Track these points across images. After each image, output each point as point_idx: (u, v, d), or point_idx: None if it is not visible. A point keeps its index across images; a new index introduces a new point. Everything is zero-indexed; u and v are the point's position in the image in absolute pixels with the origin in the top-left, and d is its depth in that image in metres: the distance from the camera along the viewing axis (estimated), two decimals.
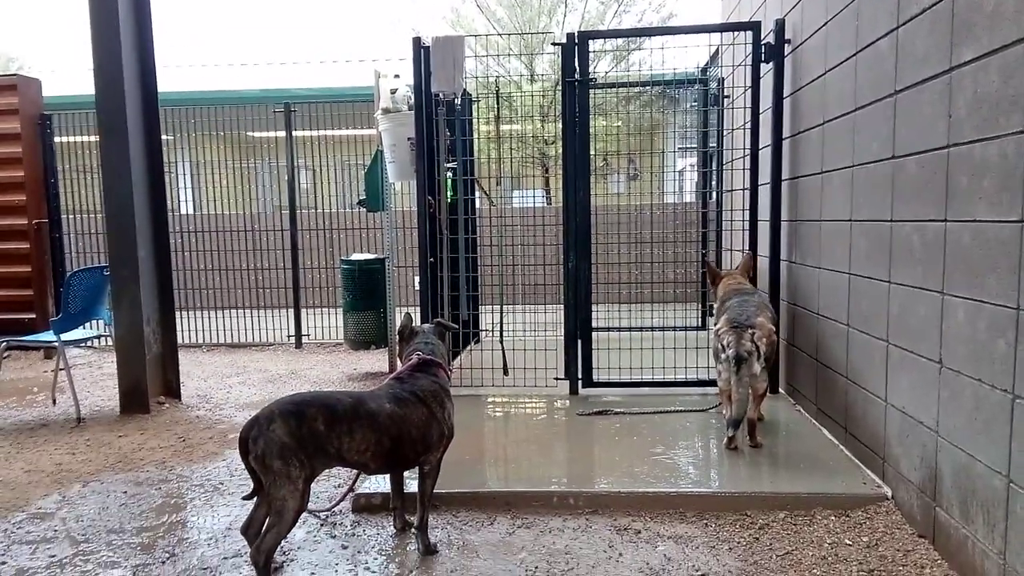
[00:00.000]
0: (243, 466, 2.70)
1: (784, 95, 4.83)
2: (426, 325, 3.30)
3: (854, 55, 3.70)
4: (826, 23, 4.11)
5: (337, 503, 3.43)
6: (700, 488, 3.50)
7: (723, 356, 3.91)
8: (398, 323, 3.26)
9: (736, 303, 4.20)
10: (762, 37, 4.90)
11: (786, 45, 4.80)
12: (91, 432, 4.91)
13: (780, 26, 4.80)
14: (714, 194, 7.19)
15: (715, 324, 4.50)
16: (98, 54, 5.19)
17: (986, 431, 2.52)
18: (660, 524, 3.21)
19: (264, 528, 2.66)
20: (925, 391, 2.96)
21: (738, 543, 3.02)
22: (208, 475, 4.05)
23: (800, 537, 3.05)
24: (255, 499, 2.74)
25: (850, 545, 2.96)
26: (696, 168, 9.07)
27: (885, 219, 3.34)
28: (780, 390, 5.01)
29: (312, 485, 2.72)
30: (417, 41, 5.15)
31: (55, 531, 3.36)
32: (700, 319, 7.36)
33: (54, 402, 5.67)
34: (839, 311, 3.98)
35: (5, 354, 5.28)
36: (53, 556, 3.12)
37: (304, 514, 2.86)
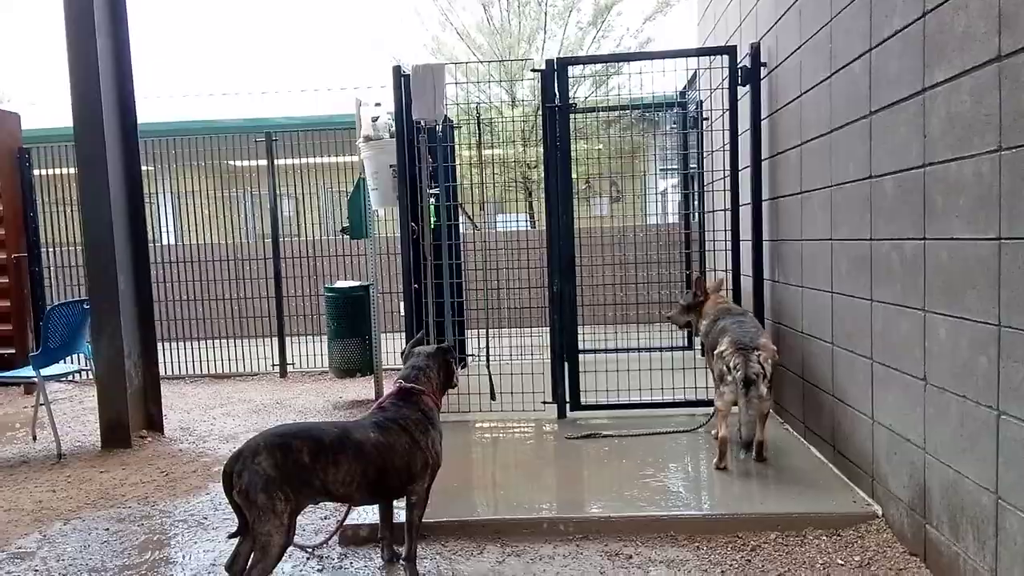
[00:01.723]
0: (228, 500, 2.66)
1: (761, 117, 4.89)
2: (424, 348, 3.25)
3: (829, 77, 3.75)
4: (800, 46, 4.17)
5: (327, 540, 3.37)
6: (691, 511, 3.49)
7: (729, 378, 3.86)
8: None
9: (734, 324, 4.18)
10: (738, 61, 4.97)
11: (762, 68, 4.87)
12: (72, 468, 4.82)
13: (755, 50, 4.88)
14: (696, 215, 7.25)
15: (705, 341, 4.51)
16: (76, 87, 5.18)
17: (972, 448, 2.53)
18: (651, 548, 3.19)
19: (249, 564, 2.61)
20: (911, 408, 2.97)
21: (730, 566, 3.00)
22: (192, 510, 3.98)
23: (792, 558, 3.03)
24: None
25: (842, 565, 2.95)
26: (678, 189, 9.15)
27: (865, 238, 3.37)
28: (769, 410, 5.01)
29: (298, 517, 2.68)
30: (397, 70, 5.18)
31: (36, 571, 3.29)
32: (686, 339, 7.37)
33: (34, 438, 5.57)
34: (823, 329, 4.00)
35: None
36: None
37: (290, 547, 2.81)
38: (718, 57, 5.37)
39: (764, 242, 4.97)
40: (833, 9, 3.64)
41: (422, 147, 5.38)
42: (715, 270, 6.32)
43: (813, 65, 3.99)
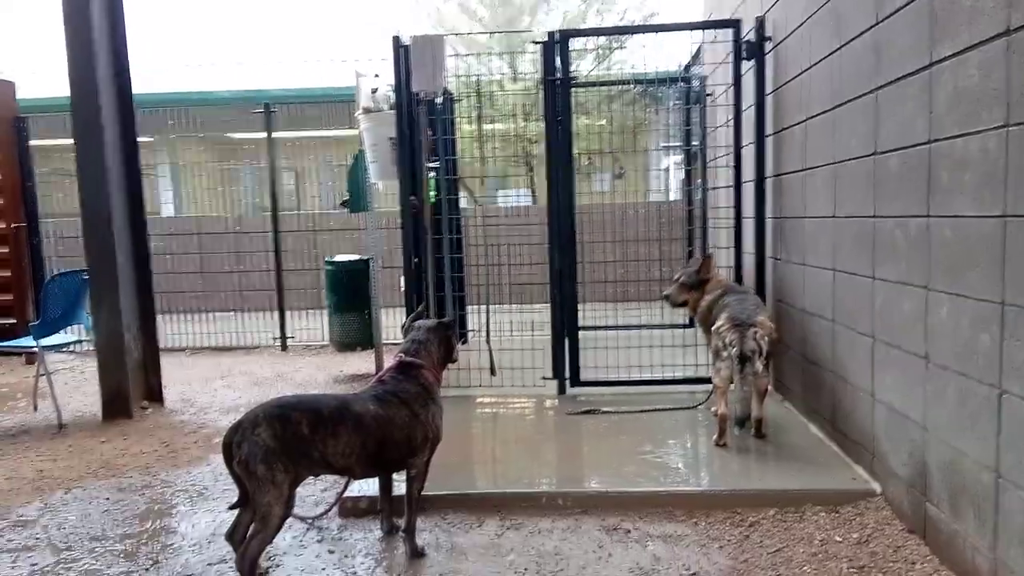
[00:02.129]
0: (228, 471, 2.66)
1: (766, 92, 4.84)
2: (424, 322, 3.23)
3: (834, 52, 3.70)
4: (806, 20, 4.11)
5: (326, 511, 3.39)
6: (690, 486, 3.51)
7: (725, 354, 3.87)
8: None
9: (735, 300, 4.18)
10: (743, 35, 4.90)
11: (767, 42, 4.81)
12: (73, 438, 4.84)
13: (760, 23, 4.81)
14: (699, 192, 7.21)
15: (702, 319, 4.50)
16: (72, 55, 5.11)
17: (973, 426, 2.53)
18: (650, 523, 3.20)
19: (249, 534, 2.62)
20: (912, 386, 2.97)
21: (728, 541, 3.02)
22: (192, 480, 4.00)
23: (790, 534, 3.05)
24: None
25: (840, 541, 2.97)
26: (681, 166, 9.09)
27: (868, 215, 3.35)
28: (769, 387, 5.02)
29: (298, 489, 2.69)
30: (397, 40, 5.11)
31: (36, 539, 3.31)
32: (688, 317, 7.36)
33: (35, 408, 5.59)
34: (825, 307, 3.99)
35: None
36: (35, 565, 3.07)
37: (290, 518, 2.83)
38: (722, 31, 5.30)
39: (767, 219, 4.95)
40: None
41: (421, 119, 5.34)
42: (717, 247, 6.30)
43: (819, 39, 3.93)
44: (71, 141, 5.27)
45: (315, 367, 7.00)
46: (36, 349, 5.17)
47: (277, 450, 2.56)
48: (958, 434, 2.64)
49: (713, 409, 4.14)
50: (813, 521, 3.15)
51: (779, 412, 4.55)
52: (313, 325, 8.07)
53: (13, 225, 7.60)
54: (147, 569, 2.98)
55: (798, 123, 4.33)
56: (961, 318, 2.58)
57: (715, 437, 3.94)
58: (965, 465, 2.59)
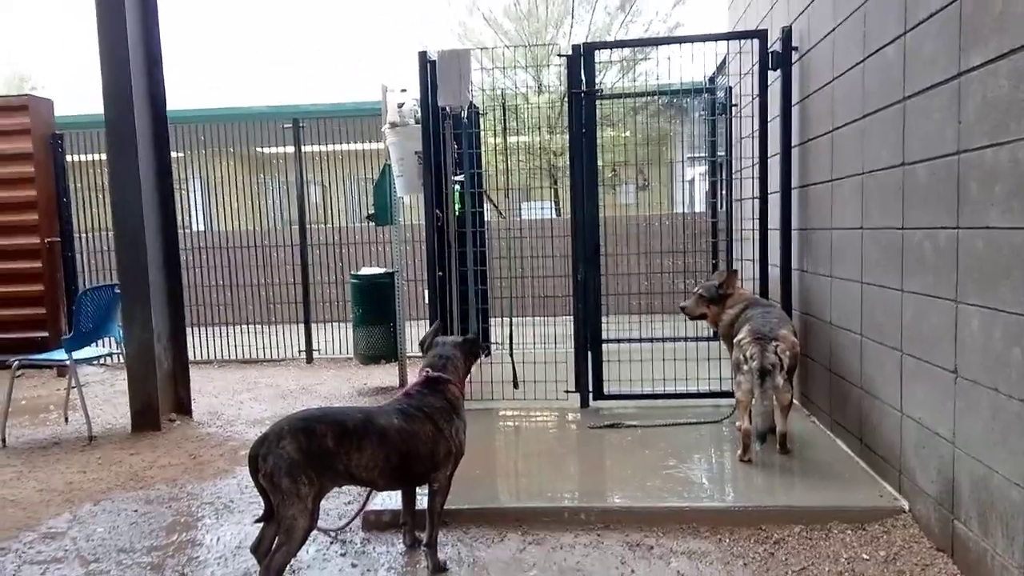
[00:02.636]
0: (253, 483, 2.69)
1: (792, 103, 4.80)
2: (448, 338, 3.24)
3: (862, 61, 3.67)
4: (833, 30, 4.08)
5: (348, 522, 3.40)
6: (714, 502, 3.46)
7: (745, 368, 3.83)
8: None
9: (759, 314, 4.14)
10: (769, 45, 4.88)
11: (793, 52, 4.78)
12: (103, 450, 4.91)
13: (787, 34, 4.78)
14: (724, 204, 7.15)
15: (726, 333, 4.46)
16: (107, 73, 5.24)
17: (1004, 442, 2.47)
18: (673, 540, 3.17)
19: (274, 547, 2.64)
20: (941, 401, 2.91)
21: (753, 558, 2.97)
22: (218, 493, 4.04)
23: (816, 552, 3.00)
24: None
25: (867, 560, 2.91)
26: (706, 177, 9.04)
27: (896, 227, 3.30)
28: (794, 401, 4.95)
29: (322, 502, 2.70)
30: (423, 55, 5.16)
31: (65, 551, 3.36)
32: (711, 330, 7.29)
33: (66, 420, 5.69)
34: (852, 320, 3.93)
35: (18, 372, 5.29)
36: None
37: (314, 532, 2.84)
38: (748, 41, 5.27)
39: (793, 231, 4.89)
40: None
41: (447, 133, 5.37)
42: (742, 260, 6.24)
43: (846, 49, 3.90)
44: (105, 156, 5.38)
45: (340, 379, 7.05)
46: (68, 363, 5.27)
47: (302, 463, 2.58)
48: (988, 450, 2.58)
49: (738, 424, 4.09)
50: (839, 539, 3.09)
51: (805, 427, 4.48)
52: (338, 338, 8.13)
53: (47, 240, 7.78)
54: None
55: (825, 133, 4.28)
56: (992, 331, 2.53)
57: (739, 452, 3.89)
58: (995, 482, 2.53)
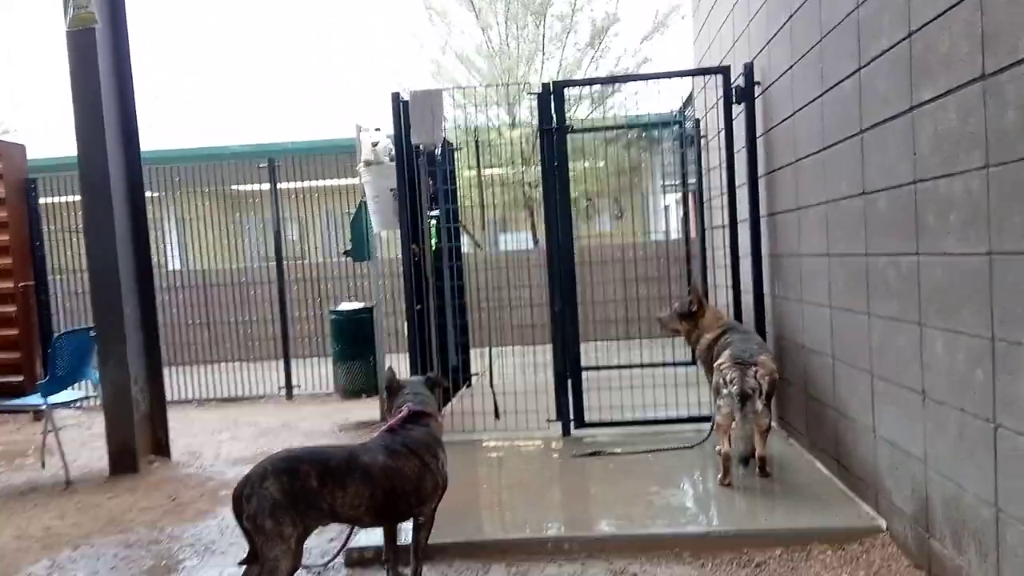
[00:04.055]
0: (235, 523, 2.69)
1: (757, 135, 4.94)
2: (414, 378, 3.32)
3: (820, 96, 3.81)
4: (792, 66, 4.23)
5: (331, 560, 3.39)
6: (696, 527, 3.51)
7: (725, 392, 3.90)
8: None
9: (738, 339, 4.23)
10: (732, 80, 5.03)
11: (756, 87, 4.93)
12: (81, 495, 4.85)
13: (749, 69, 4.94)
14: (696, 231, 7.29)
15: (703, 356, 4.54)
16: (80, 115, 5.25)
17: (972, 460, 2.56)
18: (657, 566, 3.20)
19: None
20: (911, 422, 3.00)
21: None
22: (199, 534, 4.00)
23: (797, 574, 3.05)
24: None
25: None
26: (679, 205, 9.19)
27: (860, 253, 3.41)
28: (773, 424, 5.02)
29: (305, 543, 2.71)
30: (396, 96, 5.26)
31: None
32: (691, 354, 7.38)
33: (43, 465, 5.61)
34: (823, 344, 4.03)
35: None
36: None
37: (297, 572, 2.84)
38: (713, 77, 5.43)
39: (763, 257, 5.01)
40: (823, 29, 3.71)
41: (422, 170, 5.45)
42: (716, 286, 6.36)
43: (805, 84, 4.05)
44: (79, 198, 5.38)
45: (321, 415, 7.02)
46: (44, 407, 5.21)
47: (285, 504, 2.59)
48: (957, 469, 2.66)
49: (718, 448, 4.15)
50: (820, 560, 3.15)
51: (784, 449, 4.55)
52: (318, 373, 8.10)
53: (21, 284, 7.70)
54: None
55: (789, 164, 4.42)
56: (956, 353, 2.62)
57: (720, 476, 3.94)
58: (965, 500, 2.61)
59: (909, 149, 2.87)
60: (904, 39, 2.86)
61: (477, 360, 6.96)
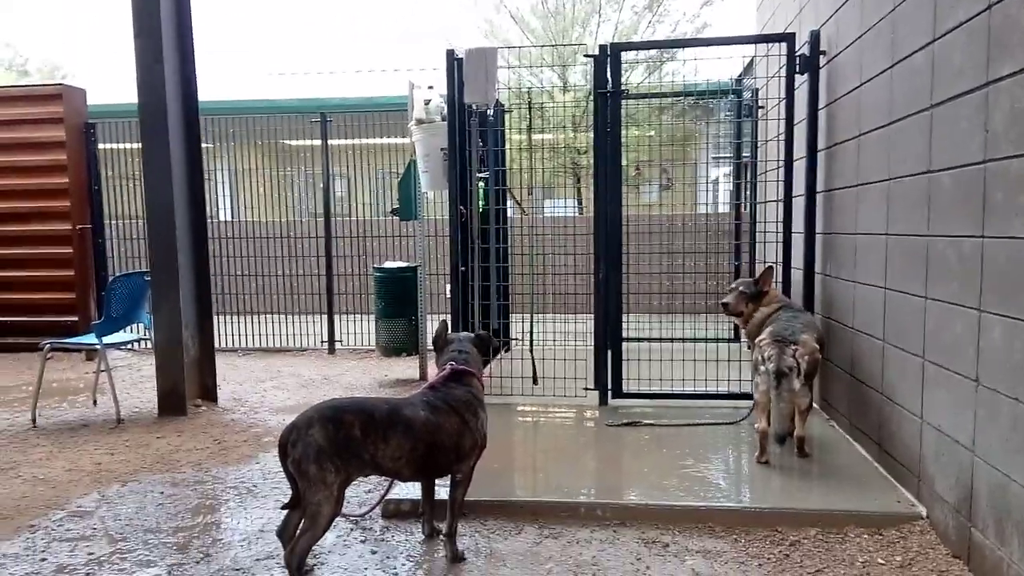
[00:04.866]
0: (277, 469, 2.76)
1: (819, 107, 4.80)
2: (462, 334, 3.32)
3: (889, 68, 3.66)
4: (861, 35, 4.08)
5: (370, 510, 3.46)
6: (730, 502, 3.49)
7: (762, 368, 3.86)
8: (431, 330, 3.30)
9: (788, 317, 4.16)
10: (797, 49, 4.87)
11: (821, 57, 4.77)
12: (130, 433, 5.03)
13: (815, 38, 4.77)
14: (747, 205, 7.15)
15: (753, 333, 4.46)
16: (141, 64, 5.33)
17: (1022, 451, 2.48)
18: (689, 538, 3.20)
19: (299, 531, 2.71)
20: (961, 409, 2.92)
21: (768, 559, 3.00)
22: (242, 477, 4.13)
23: (832, 555, 3.02)
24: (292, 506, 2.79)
25: (883, 564, 2.92)
26: (730, 178, 9.02)
27: (921, 234, 3.30)
28: (814, 405, 4.95)
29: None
30: (451, 53, 5.21)
31: (93, 529, 3.46)
32: (733, 330, 7.30)
33: (95, 403, 5.82)
34: (874, 326, 3.94)
35: (48, 355, 5.42)
36: (91, 554, 3.20)
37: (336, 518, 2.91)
38: (776, 44, 5.27)
39: (817, 234, 4.89)
40: None
41: (473, 131, 5.42)
42: (764, 262, 6.24)
43: (874, 55, 3.89)
44: (137, 145, 5.49)
45: (361, 371, 7.14)
46: (98, 347, 5.39)
47: (329, 451, 2.64)
48: (1007, 459, 2.58)
49: (755, 425, 4.11)
50: (855, 543, 3.11)
51: (824, 431, 4.49)
52: (360, 330, 8.22)
53: (78, 227, 7.94)
54: (198, 562, 3.10)
55: (851, 138, 4.28)
56: (1014, 341, 2.53)
57: (756, 454, 3.91)
58: (1012, 490, 2.54)
59: (981, 127, 2.75)
60: (983, 11, 2.73)
61: (517, 325, 6.98)
